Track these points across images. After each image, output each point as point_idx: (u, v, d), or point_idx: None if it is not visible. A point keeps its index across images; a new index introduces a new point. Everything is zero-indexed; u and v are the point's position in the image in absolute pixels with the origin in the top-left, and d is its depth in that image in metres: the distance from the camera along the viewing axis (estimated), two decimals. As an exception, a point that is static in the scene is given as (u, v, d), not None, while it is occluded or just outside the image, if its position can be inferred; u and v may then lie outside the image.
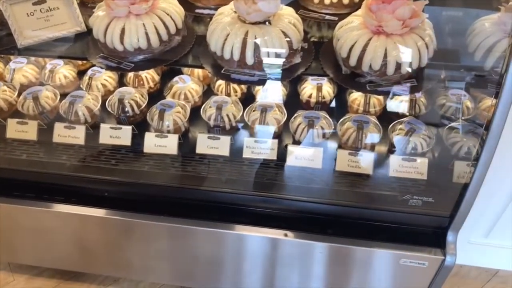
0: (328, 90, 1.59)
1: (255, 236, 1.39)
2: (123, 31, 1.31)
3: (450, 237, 1.26)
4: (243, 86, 1.67)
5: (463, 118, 1.45)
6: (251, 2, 1.27)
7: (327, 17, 1.56)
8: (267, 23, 1.31)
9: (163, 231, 1.47)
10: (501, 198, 1.54)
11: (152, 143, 1.48)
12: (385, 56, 1.21)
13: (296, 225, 1.38)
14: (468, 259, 1.83)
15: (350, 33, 1.28)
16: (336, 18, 1.47)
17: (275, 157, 1.43)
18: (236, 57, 1.30)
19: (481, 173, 1.10)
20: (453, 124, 1.45)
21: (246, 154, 1.44)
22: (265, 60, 1.30)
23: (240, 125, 1.55)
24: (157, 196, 1.49)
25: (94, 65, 1.67)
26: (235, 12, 1.33)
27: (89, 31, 1.43)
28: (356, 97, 1.57)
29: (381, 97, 1.57)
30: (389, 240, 1.32)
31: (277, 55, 1.30)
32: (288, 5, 1.42)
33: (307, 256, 1.39)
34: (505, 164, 1.48)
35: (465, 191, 1.15)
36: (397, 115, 1.52)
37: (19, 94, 1.65)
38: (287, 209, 1.41)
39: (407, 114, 1.51)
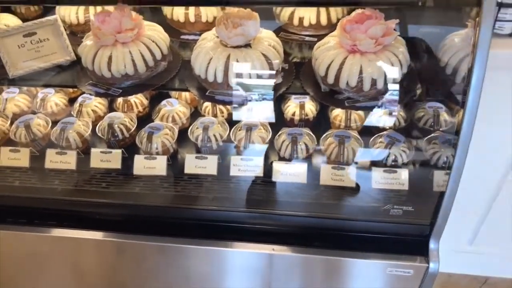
0: (310, 107, 1.65)
1: (243, 252, 1.42)
2: (110, 59, 1.37)
3: (432, 244, 1.30)
4: (229, 107, 1.72)
5: (440, 129, 1.51)
6: (232, 27, 1.34)
7: (307, 38, 1.64)
8: (248, 46, 1.38)
9: (154, 251, 1.49)
10: (481, 206, 1.59)
11: (141, 165, 1.52)
12: (361, 73, 1.28)
13: (283, 239, 1.41)
14: (456, 267, 1.86)
15: (327, 52, 1.35)
16: (316, 39, 1.53)
17: (261, 174, 1.48)
18: (220, 79, 1.36)
19: (455, 180, 1.15)
20: (432, 135, 1.50)
21: (233, 172, 1.48)
22: (247, 81, 1.36)
23: (233, 144, 1.60)
24: (148, 216, 1.52)
25: (84, 93, 1.74)
26: (217, 37, 1.40)
27: (79, 60, 1.48)
28: (337, 113, 1.63)
29: (361, 113, 1.62)
30: (374, 251, 1.36)
31: (259, 76, 1.37)
32: (270, 28, 1.49)
33: (295, 269, 1.42)
34: (482, 172, 1.53)
35: (442, 199, 1.20)
36: (378, 129, 1.58)
37: (11, 123, 1.70)
38: (274, 224, 1.44)
39: (387, 128, 1.56)
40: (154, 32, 1.46)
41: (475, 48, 0.97)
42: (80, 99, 1.76)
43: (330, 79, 1.33)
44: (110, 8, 1.40)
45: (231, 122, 1.63)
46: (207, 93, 1.41)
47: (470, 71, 1.00)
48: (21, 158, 1.59)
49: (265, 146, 1.56)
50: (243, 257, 1.44)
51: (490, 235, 1.70)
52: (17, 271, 1.70)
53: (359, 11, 1.33)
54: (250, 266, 1.45)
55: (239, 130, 1.57)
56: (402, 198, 1.37)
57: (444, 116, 1.53)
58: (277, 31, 1.59)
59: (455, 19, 1.44)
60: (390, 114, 1.57)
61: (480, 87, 1.00)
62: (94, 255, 1.56)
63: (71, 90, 1.84)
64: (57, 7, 1.68)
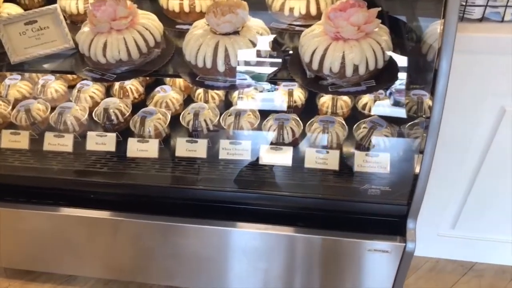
0: (299, 95, 1.70)
1: (227, 230, 1.48)
2: (105, 45, 1.43)
3: (410, 224, 1.35)
4: (220, 94, 1.78)
5: (424, 116, 1.55)
6: (221, 14, 1.40)
7: (297, 28, 1.69)
8: (236, 33, 1.44)
9: (146, 229, 1.56)
10: (461, 189, 1.62)
11: (134, 147, 1.58)
12: (343, 58, 1.32)
13: (267, 219, 1.47)
14: (442, 253, 1.90)
15: (312, 40, 1.40)
16: (305, 29, 1.58)
17: (249, 158, 1.54)
18: (208, 65, 1.42)
19: (427, 162, 1.20)
20: (415, 121, 1.54)
21: (222, 155, 1.54)
22: (235, 67, 1.42)
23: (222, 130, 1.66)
24: (140, 195, 1.59)
25: (83, 80, 1.81)
26: (208, 25, 1.45)
27: (77, 47, 1.55)
28: (324, 100, 1.68)
29: (348, 100, 1.67)
30: (356, 230, 1.41)
31: (246, 63, 1.42)
32: (261, 18, 1.54)
33: (280, 248, 1.48)
34: (460, 156, 1.56)
35: (417, 180, 1.25)
36: (364, 116, 1.62)
37: (13, 108, 1.78)
38: (259, 203, 1.50)
39: (372, 114, 1.61)
40: (148, 20, 1.52)
41: (442, 33, 1.01)
42: (78, 85, 1.83)
43: (315, 65, 1.38)
44: (107, -3, 1.46)
45: (223, 109, 1.70)
46: (197, 79, 1.47)
47: (438, 54, 1.04)
48: (21, 141, 1.66)
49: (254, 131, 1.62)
50: (227, 236, 1.50)
51: (472, 220, 1.73)
52: (15, 247, 1.78)
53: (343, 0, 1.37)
54: (235, 244, 1.51)
55: (229, 115, 1.63)
56: (382, 181, 1.42)
57: (428, 103, 1.57)
58: (268, 21, 1.64)
59: (439, 9, 1.48)
60: (375, 101, 1.62)
61: (447, 70, 1.04)
62: (89, 232, 1.64)
63: (70, 77, 1.91)
64: (58, -2, 1.75)
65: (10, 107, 1.79)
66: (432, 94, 1.10)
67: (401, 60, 1.48)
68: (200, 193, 1.52)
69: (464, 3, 1.32)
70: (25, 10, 1.78)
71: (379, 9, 1.35)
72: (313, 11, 1.65)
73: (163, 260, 1.68)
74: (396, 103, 1.63)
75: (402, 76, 1.55)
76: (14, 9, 1.72)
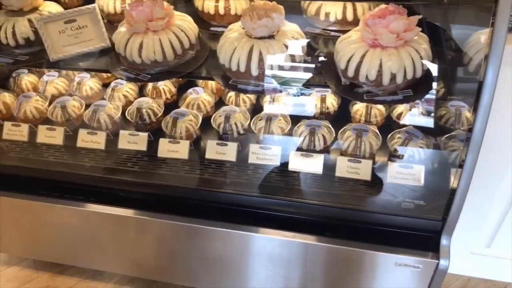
0: (332, 101, 1.68)
1: (256, 236, 1.46)
2: (141, 46, 1.45)
3: (444, 241, 1.30)
4: (252, 97, 1.77)
5: (462, 128, 1.50)
6: (257, 18, 1.39)
7: (333, 33, 1.66)
8: (271, 38, 1.42)
9: (173, 229, 1.56)
10: (500, 207, 1.55)
11: (165, 148, 1.59)
12: (380, 66, 1.29)
13: (296, 226, 1.44)
14: (473, 271, 1.83)
15: (348, 46, 1.37)
16: (341, 35, 1.56)
17: (278, 163, 1.52)
18: (242, 68, 1.41)
19: (467, 177, 1.15)
20: (452, 133, 1.49)
21: (252, 159, 1.53)
22: (269, 71, 1.41)
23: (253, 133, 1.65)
24: (169, 196, 1.59)
25: (117, 79, 1.84)
26: (243, 28, 1.45)
27: (113, 47, 1.57)
28: (358, 108, 1.64)
29: (382, 108, 1.63)
30: (386, 244, 1.37)
31: (280, 67, 1.41)
32: (296, 22, 1.52)
33: (305, 257, 1.45)
34: (501, 174, 1.50)
35: (454, 195, 1.20)
36: (399, 126, 1.58)
37: (49, 104, 1.82)
38: (287, 210, 1.48)
39: (408, 124, 1.56)
40: (184, 22, 1.53)
41: (490, 44, 0.97)
42: (112, 84, 1.86)
43: (350, 72, 1.35)
44: (144, -2, 1.48)
45: (254, 112, 1.69)
46: (230, 82, 1.47)
47: (485, 66, 1.00)
48: (56, 136, 1.70)
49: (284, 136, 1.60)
50: (254, 241, 1.49)
51: (509, 238, 1.66)
52: (46, 242, 1.82)
53: (382, 6, 1.34)
54: (262, 250, 1.50)
55: (260, 120, 1.62)
56: (416, 194, 1.38)
57: (466, 115, 1.52)
58: (303, 25, 1.62)
59: (481, 18, 1.43)
60: (411, 110, 1.57)
61: (494, 82, 0.99)
62: (116, 229, 1.66)
63: (105, 75, 1.95)
64: (97, -3, 1.79)
65: (47, 103, 1.83)
66: (475, 107, 1.06)
67: (440, 70, 1.44)
68: (227, 197, 1.52)
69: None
70: (64, 8, 1.83)
71: (420, 16, 1.31)
72: (350, 16, 1.63)
73: (188, 261, 1.69)
74: (433, 114, 1.59)
75: (440, 86, 1.51)
76: (54, 8, 1.77)
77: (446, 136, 1.49)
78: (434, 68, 1.38)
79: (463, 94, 1.49)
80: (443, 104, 1.57)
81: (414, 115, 1.57)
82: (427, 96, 1.41)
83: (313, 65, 1.48)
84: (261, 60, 1.38)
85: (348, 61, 1.35)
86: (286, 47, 1.40)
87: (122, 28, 1.53)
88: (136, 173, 1.60)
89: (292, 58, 1.41)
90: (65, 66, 1.71)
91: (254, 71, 1.40)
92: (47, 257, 1.96)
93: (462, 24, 1.53)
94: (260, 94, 1.50)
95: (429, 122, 1.57)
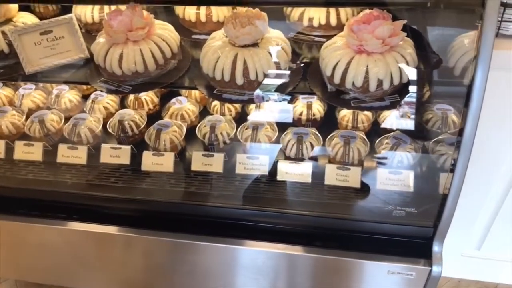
0: (318, 108, 1.66)
1: (245, 249, 1.43)
2: (121, 57, 1.40)
3: (435, 247, 1.29)
4: (237, 106, 1.74)
5: (449, 131, 1.50)
6: (240, 26, 1.36)
7: (316, 38, 1.65)
8: (255, 45, 1.40)
9: (159, 245, 1.52)
10: (489, 210, 1.56)
11: (149, 161, 1.55)
12: (367, 73, 1.28)
13: (286, 238, 1.42)
14: (465, 273, 1.83)
15: (333, 52, 1.35)
16: (325, 40, 1.53)
17: (266, 173, 1.49)
18: (227, 78, 1.38)
19: (458, 182, 1.14)
20: (439, 137, 1.49)
21: (239, 170, 1.50)
22: (254, 80, 1.38)
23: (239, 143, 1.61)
24: (155, 211, 1.55)
25: (97, 90, 1.79)
26: (226, 36, 1.42)
27: (92, 57, 1.52)
28: (345, 114, 1.63)
29: (369, 114, 1.62)
30: (377, 252, 1.35)
31: (265, 76, 1.38)
32: (279, 28, 1.50)
33: (296, 268, 1.42)
34: (490, 177, 1.50)
35: (446, 200, 1.19)
36: (385, 131, 1.57)
37: (26, 118, 1.75)
38: (277, 222, 1.45)
39: (395, 129, 1.55)
40: (165, 31, 1.49)
41: (478, 48, 0.96)
42: (92, 96, 1.81)
43: (336, 79, 1.33)
44: (123, 7, 1.43)
45: (239, 121, 1.65)
46: (214, 91, 1.43)
47: (473, 71, 0.99)
48: (35, 152, 1.64)
49: (271, 145, 1.57)
50: (245, 254, 1.45)
51: (499, 241, 1.67)
52: (27, 262, 1.75)
53: (367, 11, 1.33)
54: (252, 264, 1.46)
55: (246, 128, 1.59)
56: (406, 200, 1.37)
57: (453, 118, 1.52)
58: (286, 31, 1.60)
59: (465, 21, 1.43)
60: (398, 115, 1.56)
61: (483, 86, 0.99)
62: (102, 248, 1.60)
63: (84, 87, 1.89)
64: (74, 6, 1.73)
65: (24, 118, 1.76)
66: (465, 112, 1.05)
67: (425, 74, 1.44)
68: (215, 210, 1.48)
69: (499, 19, 1.26)
70: (40, 18, 1.77)
71: (405, 21, 1.31)
72: (333, 21, 1.61)
73: (176, 277, 1.64)
74: (419, 118, 1.58)
75: (426, 90, 1.51)
76: (29, 18, 1.71)
77: (433, 140, 1.48)
78: (419, 73, 1.38)
79: (449, 97, 1.49)
80: (429, 108, 1.56)
81: (401, 120, 1.56)
82: (414, 100, 1.41)
83: (299, 72, 1.46)
84: (245, 69, 1.35)
85: (334, 67, 1.33)
86: (271, 55, 1.37)
87: (100, 39, 1.48)
88: (120, 189, 1.55)
89: (278, 66, 1.38)
90: (42, 79, 1.65)
91: (239, 80, 1.37)
92: (29, 277, 1.89)
93: (445, 27, 1.52)
94: (246, 103, 1.46)
95: (416, 127, 1.56)
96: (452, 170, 1.15)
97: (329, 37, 1.55)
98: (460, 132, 1.08)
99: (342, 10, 1.60)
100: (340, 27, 1.61)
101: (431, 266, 1.28)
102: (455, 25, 1.49)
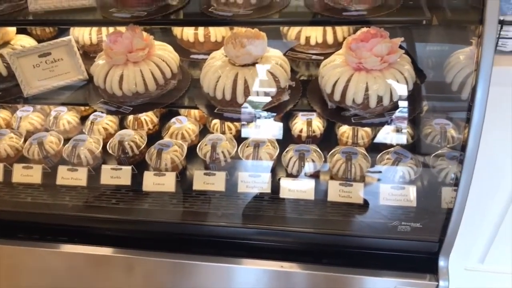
0: (318, 124, 1.67)
1: (251, 269, 1.42)
2: (121, 78, 1.41)
3: (441, 262, 1.29)
4: (237, 124, 1.75)
5: (448, 146, 1.51)
6: (240, 46, 1.37)
7: (314, 56, 1.67)
8: (255, 65, 1.41)
9: (163, 267, 1.50)
10: (492, 223, 1.57)
11: (150, 181, 1.54)
12: (367, 90, 1.29)
13: (291, 256, 1.41)
14: (466, 286, 1.82)
15: (333, 70, 1.37)
16: (322, 58, 1.56)
17: (269, 191, 1.49)
18: (228, 97, 1.39)
19: (462, 197, 1.15)
20: (439, 152, 1.50)
21: (241, 188, 1.49)
22: (255, 99, 1.39)
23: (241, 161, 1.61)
24: (157, 232, 1.54)
25: (96, 111, 1.78)
26: (226, 56, 1.43)
27: (91, 79, 1.52)
28: (345, 130, 1.64)
29: (368, 129, 1.64)
30: (383, 268, 1.35)
31: (266, 94, 1.39)
32: (277, 47, 1.52)
33: (303, 286, 1.41)
34: (492, 191, 1.52)
35: (450, 215, 1.19)
36: (385, 146, 1.58)
37: (25, 141, 1.74)
38: (282, 240, 1.44)
39: (395, 144, 1.56)
40: (165, 51, 1.50)
41: (479, 65, 0.98)
42: (91, 117, 1.80)
43: (337, 96, 1.35)
44: (122, 29, 1.44)
45: (239, 139, 1.66)
46: (215, 111, 1.44)
47: (474, 87, 1.01)
48: (34, 175, 1.62)
49: (274, 163, 1.57)
50: (251, 274, 1.44)
51: (502, 254, 1.67)
52: (27, 286, 1.71)
53: (364, 29, 1.35)
54: (258, 283, 1.45)
55: (247, 146, 1.59)
56: (410, 215, 1.37)
57: (451, 132, 1.54)
58: (284, 50, 1.62)
59: (459, 37, 1.46)
60: (397, 131, 1.58)
61: (484, 103, 1.00)
62: (104, 270, 1.57)
63: (83, 108, 1.89)
64: (71, 28, 1.74)
65: (22, 140, 1.75)
66: (467, 127, 1.06)
67: (423, 90, 1.46)
68: (218, 230, 1.47)
69: (497, 36, 1.29)
70: (37, 40, 1.78)
71: (402, 39, 1.33)
72: (330, 40, 1.64)
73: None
74: (419, 133, 1.60)
75: (424, 105, 1.53)
76: (27, 41, 1.71)
77: (434, 154, 1.50)
78: (418, 88, 1.40)
79: (447, 112, 1.51)
80: (428, 123, 1.58)
81: (400, 135, 1.57)
82: (413, 115, 1.43)
83: (298, 90, 1.48)
84: (246, 88, 1.36)
85: (334, 85, 1.34)
86: (271, 73, 1.38)
87: (100, 61, 1.48)
88: (121, 210, 1.54)
89: (278, 84, 1.39)
90: (41, 101, 1.65)
91: (240, 99, 1.37)
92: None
93: (440, 43, 1.56)
94: (248, 122, 1.47)
95: (415, 141, 1.58)
96: (456, 185, 1.16)
97: (326, 55, 1.58)
98: (463, 148, 1.10)
99: (338, 29, 1.63)
100: (336, 45, 1.64)
101: (438, 281, 1.28)
102: (449, 42, 1.52)
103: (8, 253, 1.58)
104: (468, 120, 1.05)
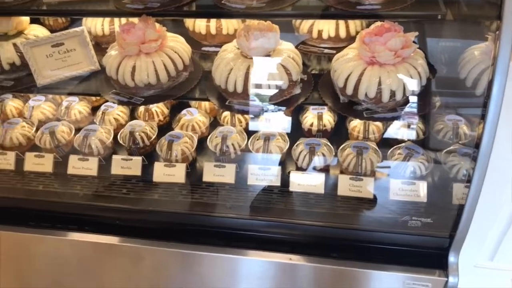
0: (328, 118, 1.66)
1: (260, 261, 1.42)
2: (134, 69, 1.41)
3: (451, 258, 1.28)
4: (247, 117, 1.75)
5: (460, 142, 1.50)
6: (252, 39, 1.37)
7: (326, 50, 1.66)
8: (267, 57, 1.41)
9: (172, 257, 1.50)
10: (502, 220, 1.56)
11: (161, 172, 1.54)
12: (379, 84, 1.29)
13: (300, 249, 1.41)
14: (476, 284, 1.81)
15: (346, 64, 1.36)
16: (334, 52, 1.55)
17: (278, 184, 1.49)
18: (239, 89, 1.39)
19: (475, 193, 1.14)
20: (450, 148, 1.49)
21: (251, 181, 1.49)
22: (266, 91, 1.39)
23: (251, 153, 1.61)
24: (166, 222, 1.54)
25: (107, 101, 1.79)
26: (238, 48, 1.43)
27: (103, 69, 1.53)
28: (356, 124, 1.63)
29: (380, 124, 1.63)
30: (392, 263, 1.35)
31: (278, 87, 1.39)
32: (289, 40, 1.51)
33: (312, 279, 1.41)
34: (503, 187, 1.50)
35: (462, 211, 1.19)
36: (397, 141, 1.57)
37: (36, 130, 1.75)
38: (291, 233, 1.44)
39: (406, 139, 1.56)
40: (177, 43, 1.50)
41: (496, 60, 0.97)
42: (102, 107, 1.81)
43: (349, 90, 1.34)
44: (135, 20, 1.44)
45: (250, 132, 1.66)
46: (227, 103, 1.44)
47: (490, 82, 1.00)
48: (45, 164, 1.63)
49: (284, 156, 1.57)
50: (259, 266, 1.45)
51: (511, 251, 1.66)
52: (37, 274, 1.73)
53: (378, 24, 1.34)
54: (266, 275, 1.45)
55: (257, 139, 1.59)
56: (420, 210, 1.36)
57: (464, 129, 1.53)
58: (295, 43, 1.61)
59: (474, 33, 1.45)
60: (409, 126, 1.57)
61: (500, 99, 1.00)
62: (113, 259, 1.59)
63: (94, 98, 1.90)
64: (84, 19, 1.74)
65: (34, 129, 1.76)
66: (482, 124, 1.05)
67: (436, 85, 1.45)
68: (228, 221, 1.47)
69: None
70: (50, 30, 1.78)
71: (416, 33, 1.32)
72: (342, 34, 1.63)
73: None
74: (430, 128, 1.59)
75: (437, 101, 1.52)
76: (40, 31, 1.72)
77: (445, 150, 1.48)
78: (431, 83, 1.39)
79: (460, 108, 1.50)
80: (440, 118, 1.57)
81: (412, 130, 1.56)
82: (425, 111, 1.42)
83: (310, 84, 1.47)
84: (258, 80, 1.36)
85: (347, 79, 1.34)
86: (283, 66, 1.38)
87: (112, 51, 1.49)
88: (131, 200, 1.55)
89: (290, 77, 1.39)
90: (53, 91, 1.65)
91: (252, 92, 1.37)
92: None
93: (455, 39, 1.54)
94: (259, 115, 1.47)
95: (427, 137, 1.57)
96: (468, 181, 1.15)
97: (337, 49, 1.57)
98: (477, 144, 1.09)
99: (351, 23, 1.62)
100: (349, 39, 1.63)
101: (447, 277, 1.28)
102: (464, 37, 1.51)
103: (18, 240, 1.60)
104: (483, 116, 1.04)
